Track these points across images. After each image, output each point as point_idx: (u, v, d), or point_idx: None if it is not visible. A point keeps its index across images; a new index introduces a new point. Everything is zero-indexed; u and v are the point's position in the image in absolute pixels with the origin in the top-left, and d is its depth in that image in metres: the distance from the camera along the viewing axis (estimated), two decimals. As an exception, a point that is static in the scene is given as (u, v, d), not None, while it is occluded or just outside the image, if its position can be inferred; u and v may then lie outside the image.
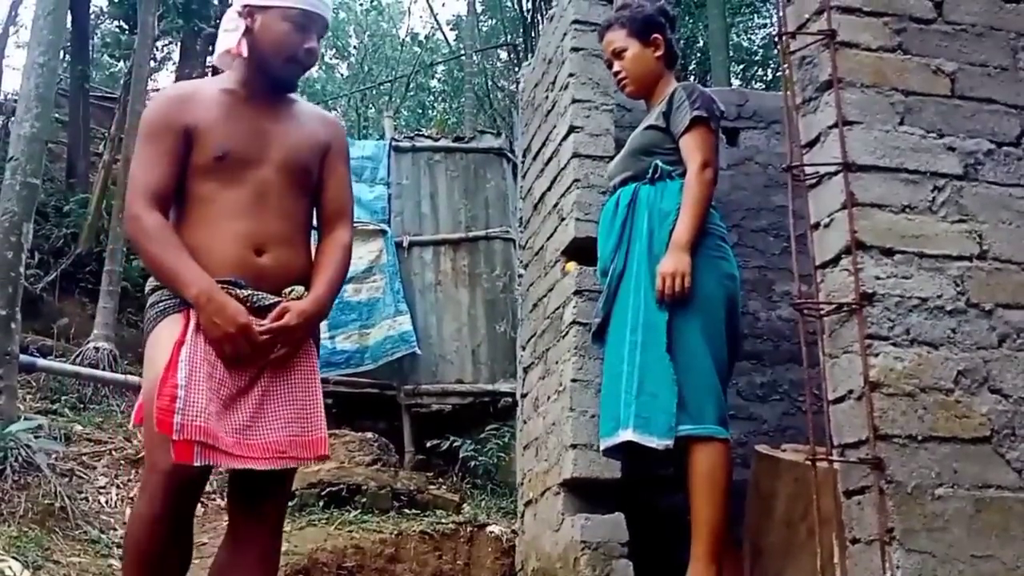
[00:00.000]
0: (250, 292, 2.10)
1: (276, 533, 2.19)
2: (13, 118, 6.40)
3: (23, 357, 5.63)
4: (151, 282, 2.18)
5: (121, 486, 5.09)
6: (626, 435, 2.58)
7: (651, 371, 2.59)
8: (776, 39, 2.31)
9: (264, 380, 2.11)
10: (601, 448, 2.78)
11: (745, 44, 15.41)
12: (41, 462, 4.64)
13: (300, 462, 2.11)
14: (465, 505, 5.50)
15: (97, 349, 6.87)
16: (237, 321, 2.01)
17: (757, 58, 15.40)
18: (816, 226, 2.11)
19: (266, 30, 2.20)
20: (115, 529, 4.58)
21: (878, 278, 1.98)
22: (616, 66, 2.98)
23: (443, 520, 5.01)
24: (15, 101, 7.53)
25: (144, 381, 2.10)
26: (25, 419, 5.13)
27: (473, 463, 6.09)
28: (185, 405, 1.90)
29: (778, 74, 14.17)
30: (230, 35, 2.25)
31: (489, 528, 4.88)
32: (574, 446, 3.12)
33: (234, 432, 2.00)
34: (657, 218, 2.72)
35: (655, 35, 2.95)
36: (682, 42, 13.74)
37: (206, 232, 2.13)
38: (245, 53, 2.21)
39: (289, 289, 2.17)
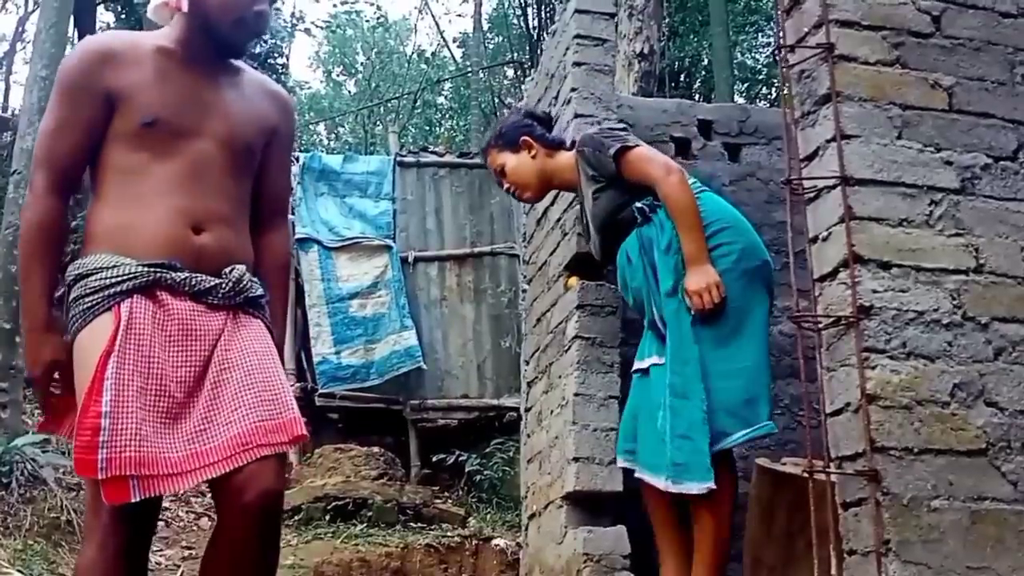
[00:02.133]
0: (187, 275, 1.83)
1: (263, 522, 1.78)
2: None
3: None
4: (72, 269, 1.87)
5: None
6: (664, 485, 2.60)
7: (680, 413, 2.59)
8: (776, 53, 2.33)
9: (213, 371, 1.80)
10: (620, 463, 2.87)
11: (749, 63, 15.48)
12: (48, 476, 4.66)
13: (274, 449, 1.73)
14: (470, 519, 5.51)
15: (103, 363, 6.89)
16: (37, 363, 1.82)
17: (761, 76, 15.46)
18: (814, 240, 2.13)
19: None
20: (120, 542, 4.59)
21: (875, 291, 1.99)
22: (505, 183, 3.08)
23: (448, 533, 5.02)
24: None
25: (77, 389, 1.80)
26: (32, 433, 5.15)
27: (478, 477, 6.10)
28: (111, 436, 1.63)
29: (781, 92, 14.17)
30: None
31: (494, 541, 4.89)
32: (576, 459, 3.12)
33: (185, 442, 1.71)
34: (662, 260, 2.73)
35: (523, 138, 3.02)
36: (687, 60, 13.82)
37: (134, 209, 1.84)
38: (184, 8, 1.91)
39: (230, 268, 1.90)
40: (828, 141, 2.09)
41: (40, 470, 4.66)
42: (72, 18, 7.03)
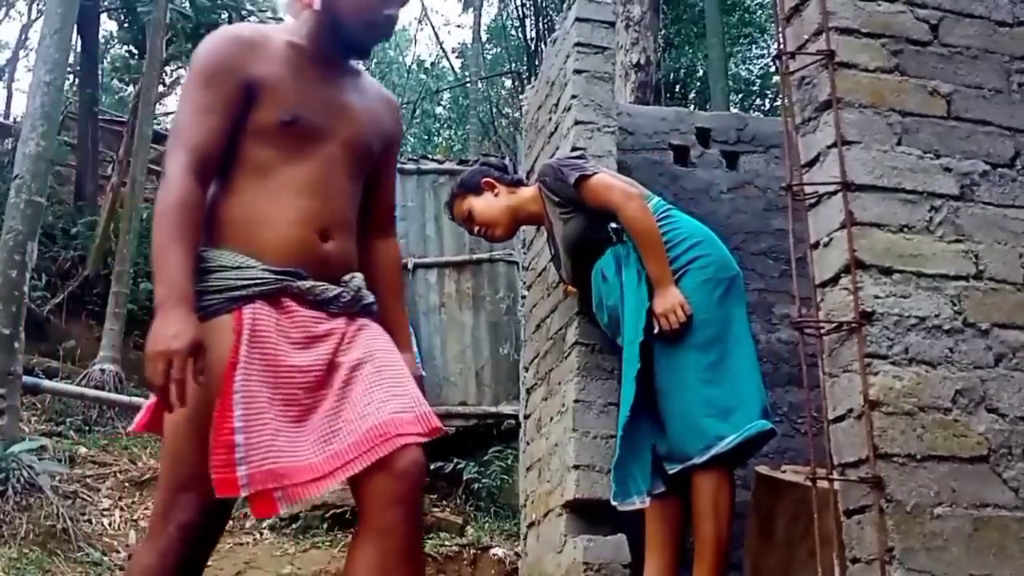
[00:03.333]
0: (312, 284, 1.78)
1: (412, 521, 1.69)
2: (21, 139, 6.45)
3: (28, 378, 5.66)
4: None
5: (125, 508, 5.09)
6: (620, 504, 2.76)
7: (623, 433, 2.72)
8: (775, 60, 2.34)
9: (340, 372, 1.75)
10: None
11: (744, 74, 15.56)
12: (44, 483, 4.65)
13: (414, 438, 1.66)
14: (468, 527, 5.49)
15: (103, 371, 6.90)
16: (181, 337, 1.57)
17: (755, 87, 15.53)
18: (816, 245, 2.13)
19: None
20: (118, 551, 4.58)
21: (877, 297, 1.99)
22: (474, 227, 3.13)
23: (447, 543, 5.00)
24: (25, 124, 7.59)
25: None
26: (29, 440, 5.14)
27: (476, 485, 6.08)
28: (247, 452, 1.59)
29: (776, 103, 14.30)
30: None
31: (492, 550, 4.87)
32: (576, 467, 3.12)
33: (321, 444, 1.67)
34: (635, 281, 2.79)
35: (483, 180, 3.09)
36: (682, 71, 13.88)
37: (264, 207, 1.78)
38: (317, 5, 1.86)
39: (349, 276, 1.87)
40: (829, 147, 2.09)
41: (36, 477, 4.65)
42: (76, 26, 7.04)
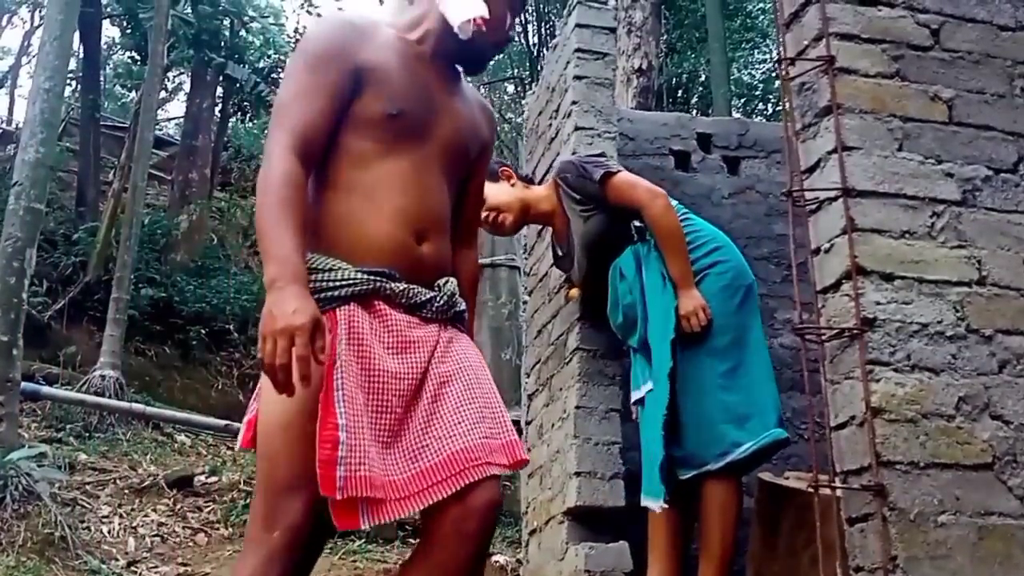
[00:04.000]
0: (406, 287, 1.70)
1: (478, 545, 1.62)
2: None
3: (27, 385, 5.66)
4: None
5: (124, 516, 5.07)
6: (645, 502, 2.71)
7: (649, 431, 2.69)
8: (776, 65, 2.33)
9: (431, 384, 1.68)
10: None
11: (746, 79, 15.57)
12: (42, 491, 4.63)
13: (500, 469, 1.61)
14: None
15: (103, 377, 6.89)
16: (302, 313, 1.48)
17: (757, 92, 15.54)
18: (816, 251, 2.12)
19: (489, 4, 1.81)
20: (116, 559, 4.56)
21: (878, 303, 1.98)
22: (483, 213, 2.92)
23: (447, 550, 4.97)
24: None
25: (268, 402, 1.62)
26: (28, 447, 5.13)
27: (478, 492, 6.04)
28: (348, 452, 1.51)
29: (778, 108, 14.30)
30: None
31: (494, 558, 4.85)
32: (578, 474, 3.10)
33: (408, 461, 1.59)
34: (658, 280, 2.77)
35: (502, 168, 3.03)
36: (684, 76, 13.89)
37: (361, 203, 1.71)
38: (484, 19, 1.79)
39: (444, 280, 1.80)
40: (829, 153, 2.08)
41: (35, 485, 4.63)
42: (78, 32, 7.05)
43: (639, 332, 2.81)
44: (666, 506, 2.59)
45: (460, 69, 1.95)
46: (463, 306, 1.84)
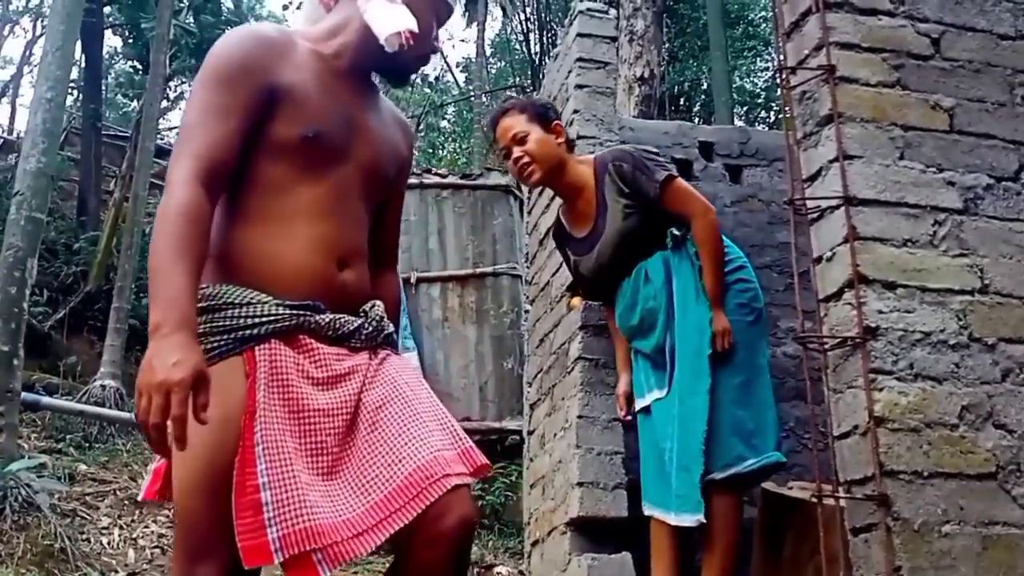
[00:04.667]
0: (332, 318, 1.59)
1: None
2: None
3: (27, 395, 5.64)
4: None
5: (124, 527, 5.06)
6: (672, 519, 2.63)
7: (684, 445, 2.62)
8: (777, 75, 2.33)
9: (366, 413, 1.57)
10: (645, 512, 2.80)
11: (748, 87, 15.60)
12: (42, 502, 4.62)
13: (461, 479, 1.50)
14: (472, 545, 5.45)
15: (104, 387, 6.88)
16: (183, 366, 1.32)
17: (759, 100, 15.57)
18: (818, 260, 2.11)
19: (415, 15, 1.70)
20: (116, 571, 4.55)
21: (881, 312, 1.97)
22: (517, 152, 2.83)
23: (449, 560, 4.95)
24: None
25: (178, 459, 1.47)
26: (28, 458, 5.11)
27: (480, 502, 6.04)
28: (277, 510, 1.39)
29: (780, 115, 14.32)
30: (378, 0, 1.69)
31: (496, 569, 4.84)
32: (580, 484, 3.09)
33: (359, 495, 1.48)
34: (692, 291, 2.74)
35: (556, 121, 2.90)
36: (686, 84, 13.92)
37: (276, 233, 1.58)
38: (363, 23, 1.68)
39: (370, 304, 1.70)
40: (831, 161, 2.08)
41: (34, 496, 4.62)
42: (80, 42, 7.07)
43: (656, 339, 2.78)
44: (704, 520, 2.56)
45: (376, 82, 1.84)
46: (391, 329, 1.74)
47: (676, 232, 2.78)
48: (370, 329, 1.66)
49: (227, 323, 1.50)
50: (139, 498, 1.70)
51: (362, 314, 1.66)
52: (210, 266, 1.54)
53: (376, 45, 1.67)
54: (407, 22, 1.66)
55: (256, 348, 1.49)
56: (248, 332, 1.50)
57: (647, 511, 2.76)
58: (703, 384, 2.62)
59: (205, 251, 1.49)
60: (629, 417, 2.96)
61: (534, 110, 2.88)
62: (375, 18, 1.67)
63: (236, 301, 1.52)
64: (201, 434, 1.38)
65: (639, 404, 2.86)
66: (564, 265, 3.52)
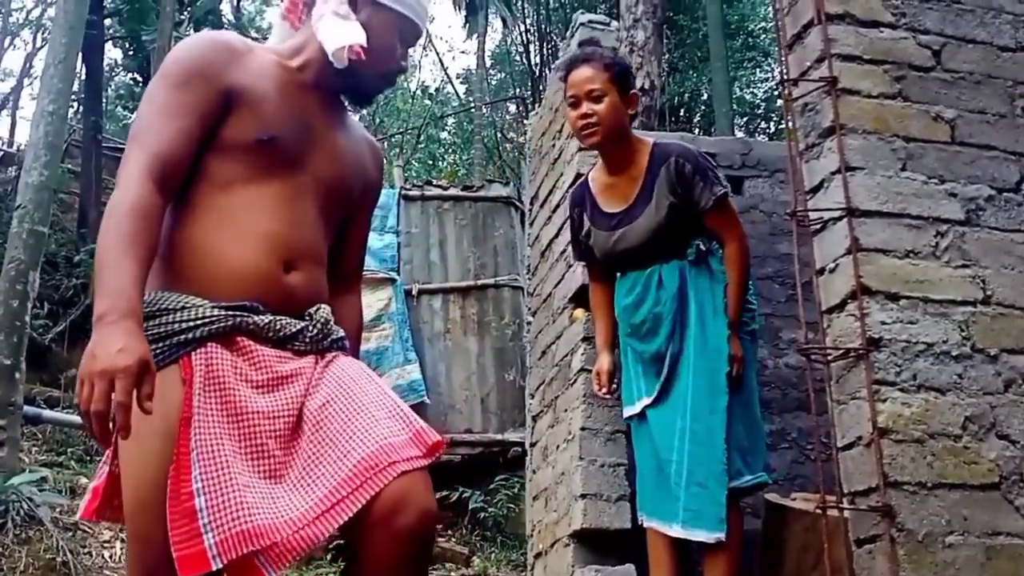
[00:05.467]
0: (271, 319, 1.55)
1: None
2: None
3: (29, 408, 5.63)
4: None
5: (126, 540, 5.04)
6: (675, 532, 2.58)
7: (700, 461, 2.57)
8: (779, 87, 2.34)
9: (310, 413, 1.53)
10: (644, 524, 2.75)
11: (748, 97, 15.64)
12: (44, 516, 4.61)
13: (411, 463, 1.44)
14: (475, 558, 5.44)
15: (105, 399, 6.86)
16: (128, 353, 1.30)
17: (759, 111, 15.61)
18: (821, 271, 2.12)
19: (373, 33, 1.68)
20: (118, 583, 4.54)
21: (884, 323, 1.97)
22: (586, 107, 2.71)
23: (452, 573, 4.96)
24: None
25: (126, 469, 1.44)
26: (29, 471, 5.11)
27: (482, 514, 6.03)
28: (212, 516, 1.35)
29: (780, 126, 14.37)
30: (330, 16, 1.68)
31: (498, 581, 4.83)
32: (584, 496, 3.09)
33: (303, 493, 1.44)
34: (710, 308, 2.71)
35: (634, 92, 2.81)
36: (687, 95, 13.97)
37: (222, 229, 1.56)
38: (363, 49, 1.66)
39: (315, 308, 1.65)
40: (833, 173, 2.09)
41: (36, 509, 4.61)
42: (80, 55, 7.09)
43: (658, 345, 2.74)
44: (723, 539, 2.51)
45: (345, 102, 1.82)
46: (341, 333, 1.70)
47: (703, 247, 2.74)
48: (314, 332, 1.61)
49: (162, 329, 1.47)
50: (77, 516, 1.61)
51: (307, 317, 1.62)
52: (153, 270, 1.51)
53: (340, 69, 1.67)
54: (355, 37, 1.65)
55: (192, 353, 1.47)
56: (183, 337, 1.48)
57: (645, 523, 2.73)
58: (721, 402, 2.59)
59: (154, 246, 1.48)
60: (608, 395, 2.90)
61: (618, 72, 2.76)
62: (324, 34, 1.67)
63: (171, 307, 1.50)
64: (144, 446, 1.38)
65: (629, 411, 2.82)
66: (566, 277, 3.53)
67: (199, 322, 1.49)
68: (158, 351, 1.45)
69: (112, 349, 1.30)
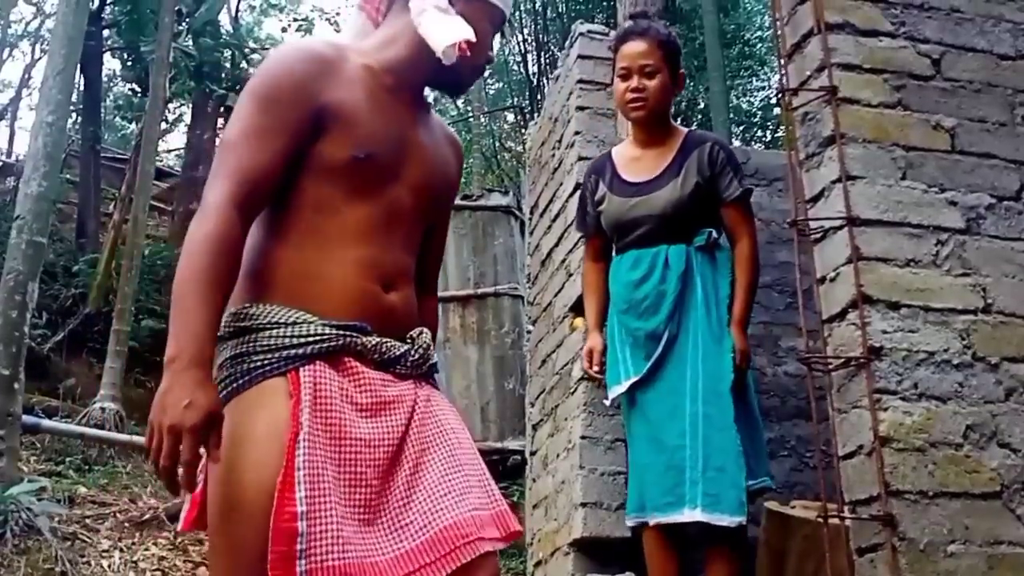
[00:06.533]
0: (378, 340, 1.52)
1: None
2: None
3: (28, 418, 5.63)
4: (230, 318, 1.49)
5: (124, 549, 5.03)
6: (695, 515, 2.53)
7: (717, 445, 2.55)
8: (777, 96, 2.34)
9: (411, 451, 1.50)
10: (650, 522, 2.68)
11: (744, 106, 15.68)
12: (43, 525, 4.59)
13: (493, 544, 1.45)
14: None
15: (103, 409, 6.85)
16: (196, 408, 1.29)
17: (756, 120, 15.66)
18: (822, 280, 2.12)
19: (471, 25, 1.62)
20: (117, 593, 4.52)
21: (885, 332, 1.98)
22: (636, 81, 2.76)
23: (451, 581, 4.93)
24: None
25: (216, 481, 1.41)
26: (28, 481, 5.09)
27: (481, 523, 6.00)
28: (310, 542, 1.32)
29: (777, 135, 14.41)
30: (432, 12, 1.60)
31: (497, 590, 4.80)
32: (584, 504, 3.08)
33: (391, 540, 1.42)
34: (713, 295, 2.72)
35: (681, 71, 2.84)
36: (683, 104, 13.99)
37: (319, 254, 1.52)
38: (469, 42, 1.59)
39: (418, 331, 1.62)
40: (833, 182, 2.09)
41: (35, 519, 4.60)
42: (79, 66, 7.10)
43: (657, 323, 2.72)
44: (744, 523, 2.50)
45: (428, 98, 1.77)
46: (436, 359, 1.68)
47: (715, 236, 2.75)
48: (416, 356, 1.58)
49: (272, 342, 1.44)
50: (178, 528, 1.59)
51: (409, 340, 1.59)
52: (251, 284, 1.50)
53: (430, 58, 1.59)
54: (464, 32, 1.58)
55: (301, 369, 1.43)
56: (294, 352, 1.44)
57: (649, 521, 2.66)
58: (726, 384, 2.59)
59: (233, 282, 1.45)
60: (600, 375, 2.88)
61: (672, 51, 2.80)
62: (431, 31, 1.59)
63: (281, 320, 1.46)
64: (242, 455, 1.37)
65: (616, 391, 2.79)
66: (566, 285, 3.53)
67: (311, 339, 1.45)
68: (267, 362, 1.44)
69: (181, 403, 1.29)
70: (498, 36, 1.78)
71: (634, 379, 2.72)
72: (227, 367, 1.45)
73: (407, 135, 1.64)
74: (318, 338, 1.45)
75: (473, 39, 1.58)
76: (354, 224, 1.54)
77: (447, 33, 1.58)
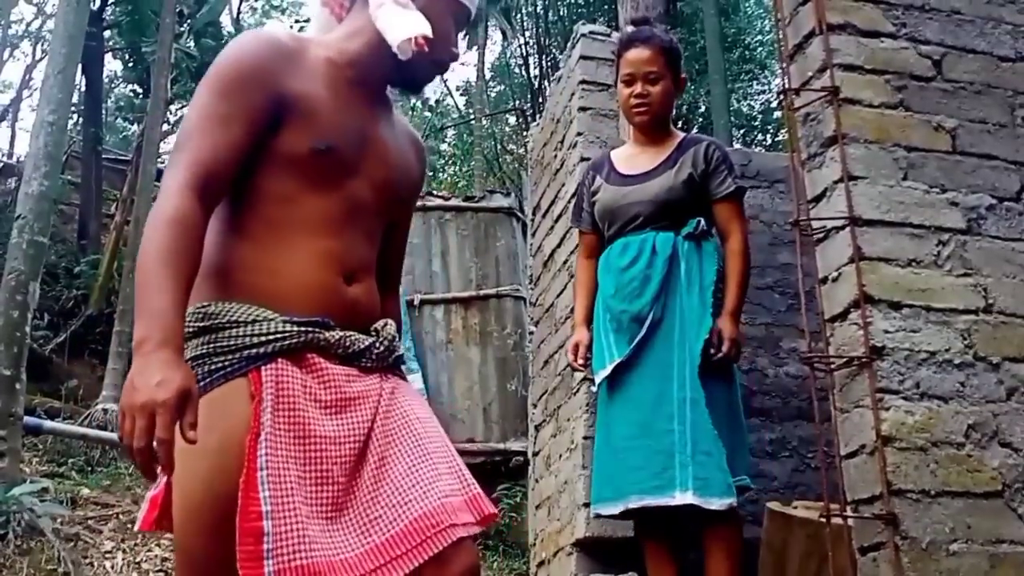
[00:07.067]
0: (341, 335, 1.50)
1: None
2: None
3: (30, 419, 5.64)
4: (191, 318, 1.44)
5: (127, 551, 5.04)
6: (687, 498, 2.52)
7: (702, 430, 2.56)
8: (781, 96, 2.35)
9: (376, 445, 1.48)
10: (632, 506, 2.63)
11: (745, 110, 15.71)
12: (45, 526, 4.61)
13: (467, 530, 1.42)
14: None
15: (105, 411, 6.87)
16: (166, 386, 1.24)
17: (756, 122, 15.68)
18: (824, 280, 2.13)
19: (431, 21, 1.59)
20: (120, 594, 4.53)
21: (887, 332, 1.98)
22: (641, 88, 2.82)
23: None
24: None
25: (178, 486, 1.39)
26: (30, 482, 5.10)
27: (483, 524, 6.01)
28: (276, 542, 1.31)
29: (777, 138, 14.42)
30: (391, 6, 1.58)
31: (500, 591, 4.82)
32: (587, 505, 3.09)
33: (359, 535, 1.40)
34: (698, 280, 2.73)
35: (683, 76, 2.91)
36: (685, 107, 14.02)
37: (281, 245, 1.50)
38: (426, 38, 1.56)
39: (382, 323, 1.61)
40: (835, 182, 2.10)
41: (37, 520, 4.61)
42: (80, 65, 7.12)
43: (641, 306, 2.72)
44: (735, 504, 2.51)
45: (390, 95, 1.75)
46: (402, 350, 1.66)
47: (703, 227, 2.77)
48: (381, 349, 1.56)
49: (232, 342, 1.42)
50: (136, 528, 1.57)
51: (373, 332, 1.57)
52: (210, 282, 1.47)
53: (390, 53, 1.57)
54: (420, 27, 1.56)
55: (262, 368, 1.41)
56: (254, 351, 1.42)
57: (634, 504, 2.60)
58: (695, 366, 2.61)
59: (196, 263, 1.41)
60: (584, 368, 2.89)
61: (674, 58, 2.87)
62: (387, 25, 1.57)
63: (241, 319, 1.43)
64: (201, 460, 1.33)
65: (603, 374, 2.78)
66: (568, 286, 3.54)
67: (272, 337, 1.43)
68: (227, 363, 1.41)
69: (152, 381, 1.25)
70: (462, 34, 1.74)
71: (618, 360, 2.72)
72: (197, 367, 1.42)
73: (368, 130, 1.62)
74: (279, 336, 1.43)
75: (430, 34, 1.56)
76: (314, 216, 1.52)
77: (403, 27, 1.56)
